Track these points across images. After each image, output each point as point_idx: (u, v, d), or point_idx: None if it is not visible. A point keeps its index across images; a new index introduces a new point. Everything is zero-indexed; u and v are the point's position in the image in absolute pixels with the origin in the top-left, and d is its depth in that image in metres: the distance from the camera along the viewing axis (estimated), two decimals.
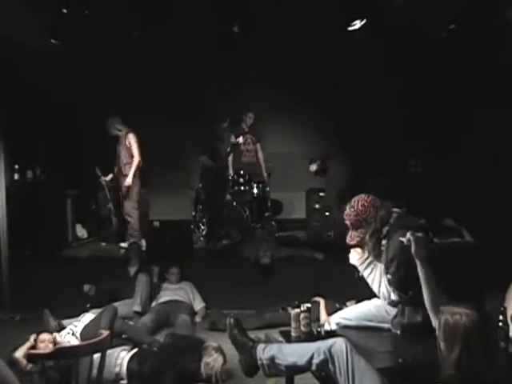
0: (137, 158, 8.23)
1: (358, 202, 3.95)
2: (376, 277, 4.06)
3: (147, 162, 9.12)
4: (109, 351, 4.86)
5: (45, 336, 4.89)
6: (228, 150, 9.37)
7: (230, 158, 9.48)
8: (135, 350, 4.92)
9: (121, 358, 4.77)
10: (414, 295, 3.77)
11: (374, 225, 3.90)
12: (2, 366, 4.04)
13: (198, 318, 6.50)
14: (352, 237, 4.01)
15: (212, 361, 4.78)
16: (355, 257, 4.16)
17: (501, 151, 7.19)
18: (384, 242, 3.96)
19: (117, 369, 4.71)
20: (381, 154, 8.21)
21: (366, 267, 4.10)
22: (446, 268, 3.87)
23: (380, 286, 4.06)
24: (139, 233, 8.35)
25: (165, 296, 6.63)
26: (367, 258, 4.09)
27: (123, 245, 8.25)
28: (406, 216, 3.96)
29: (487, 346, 2.57)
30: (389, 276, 3.89)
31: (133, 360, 4.76)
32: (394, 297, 3.94)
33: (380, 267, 4.04)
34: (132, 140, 8.27)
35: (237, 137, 9.40)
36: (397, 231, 3.80)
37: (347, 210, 3.99)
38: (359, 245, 4.05)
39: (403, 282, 3.79)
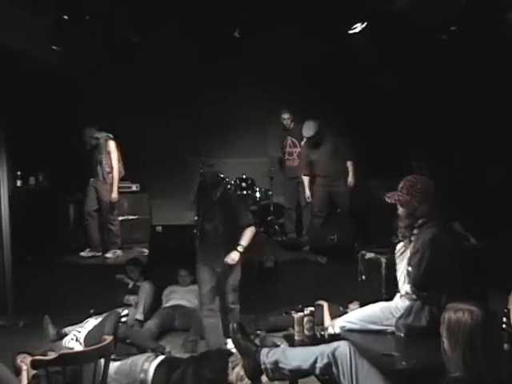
0: (116, 168, 8.01)
1: (422, 180, 4.08)
2: (402, 266, 4.13)
3: (149, 168, 9.15)
4: (133, 357, 4.89)
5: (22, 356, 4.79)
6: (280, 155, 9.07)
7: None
8: (162, 358, 4.90)
9: (146, 364, 4.76)
10: (427, 296, 3.82)
11: (412, 205, 3.99)
12: (5, 371, 4.04)
13: None
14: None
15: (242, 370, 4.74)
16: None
17: (503, 153, 7.18)
18: (416, 231, 4.03)
19: (142, 375, 4.69)
20: (383, 157, 8.20)
21: (400, 255, 4.18)
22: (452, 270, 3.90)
23: (401, 275, 4.15)
24: (120, 239, 8.39)
25: (173, 299, 6.63)
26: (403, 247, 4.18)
27: (109, 255, 8.21)
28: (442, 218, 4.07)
29: (491, 344, 2.55)
30: (409, 268, 3.95)
31: (160, 367, 4.74)
32: (408, 289, 3.97)
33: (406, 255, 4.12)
34: (111, 147, 8.05)
35: (281, 139, 8.96)
36: (429, 227, 3.93)
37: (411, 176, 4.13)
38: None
39: (421, 277, 3.83)
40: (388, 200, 4.10)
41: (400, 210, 4.08)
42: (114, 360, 4.74)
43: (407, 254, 4.08)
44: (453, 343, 2.58)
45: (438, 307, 3.75)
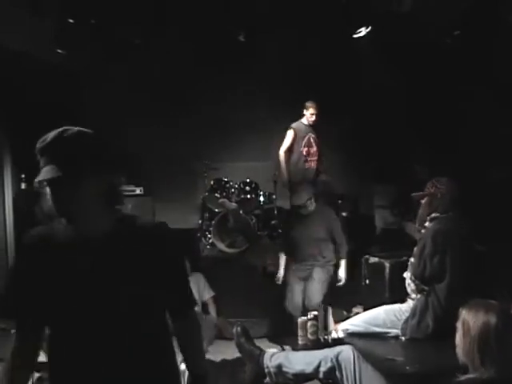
0: None
1: (447, 180, 4.19)
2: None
3: (153, 171, 9.15)
4: None
5: None
6: (283, 151, 7.91)
7: (283, 162, 7.94)
8: None
9: (182, 368, 4.72)
10: (428, 291, 3.83)
11: (435, 195, 4.10)
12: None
13: (211, 312, 6.52)
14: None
15: None
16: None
17: (505, 155, 7.17)
18: (427, 224, 4.12)
19: None
20: (386, 160, 8.20)
21: None
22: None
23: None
24: None
25: None
26: None
27: None
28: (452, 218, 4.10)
29: (505, 341, 2.50)
30: (412, 258, 4.01)
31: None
32: (408, 278, 4.01)
33: None
34: None
35: (298, 137, 7.89)
36: (439, 222, 4.03)
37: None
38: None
39: (421, 267, 3.90)
40: (415, 196, 4.28)
41: (423, 202, 4.20)
42: None
43: None
44: (466, 335, 2.54)
45: (440, 307, 3.76)
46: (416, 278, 3.92)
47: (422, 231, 4.13)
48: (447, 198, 4.07)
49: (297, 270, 6.19)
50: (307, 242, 6.19)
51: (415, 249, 4.04)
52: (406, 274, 4.11)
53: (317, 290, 5.83)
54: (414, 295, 4.02)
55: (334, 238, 6.22)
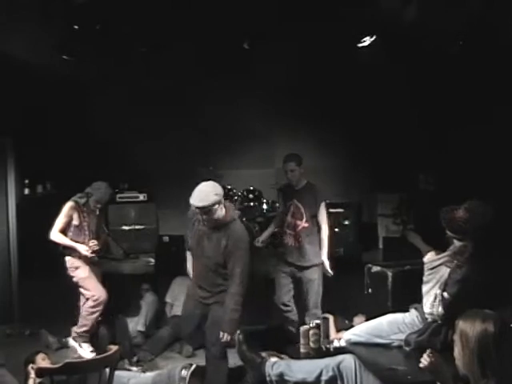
0: None
1: (481, 206, 3.94)
2: (434, 281, 4.06)
3: (156, 178, 9.17)
4: (169, 369, 4.86)
5: (42, 355, 4.88)
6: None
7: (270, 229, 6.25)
8: (195, 366, 4.86)
9: (183, 375, 4.73)
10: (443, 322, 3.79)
11: (465, 238, 3.91)
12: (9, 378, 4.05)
13: None
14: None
15: None
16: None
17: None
18: (460, 258, 3.94)
19: None
20: (390, 169, 8.19)
21: (433, 268, 4.08)
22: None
23: (430, 291, 4.05)
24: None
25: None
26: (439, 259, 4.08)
27: None
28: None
29: (503, 351, 2.49)
30: (445, 294, 3.88)
31: (194, 376, 4.72)
32: (435, 311, 3.91)
33: (441, 273, 4.02)
34: None
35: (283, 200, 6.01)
36: (475, 261, 3.84)
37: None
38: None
39: (454, 306, 3.77)
40: (443, 219, 3.98)
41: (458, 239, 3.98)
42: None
43: (443, 272, 4.01)
44: (465, 347, 2.53)
45: (452, 333, 3.73)
46: (447, 313, 3.82)
47: (455, 261, 3.97)
48: (477, 243, 3.87)
49: None
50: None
51: (447, 282, 3.90)
52: (436, 308, 3.98)
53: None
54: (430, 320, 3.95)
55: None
